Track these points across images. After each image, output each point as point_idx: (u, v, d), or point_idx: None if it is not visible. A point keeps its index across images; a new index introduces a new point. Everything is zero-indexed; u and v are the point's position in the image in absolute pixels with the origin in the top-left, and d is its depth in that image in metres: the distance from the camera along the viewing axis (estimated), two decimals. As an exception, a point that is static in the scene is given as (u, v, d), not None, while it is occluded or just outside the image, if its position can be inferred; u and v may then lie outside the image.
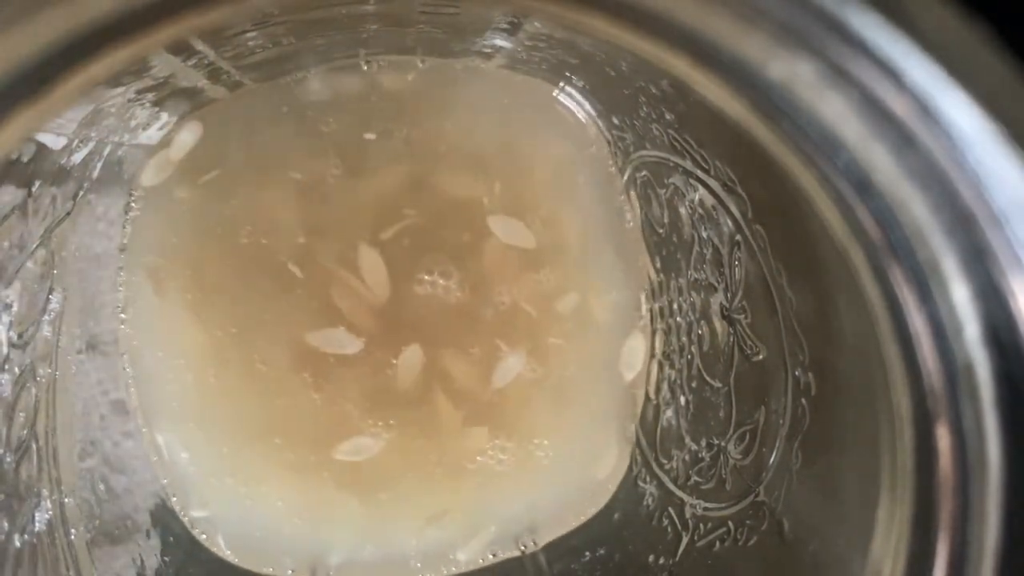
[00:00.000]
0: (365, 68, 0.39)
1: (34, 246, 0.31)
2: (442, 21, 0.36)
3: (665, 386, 0.40)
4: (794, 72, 0.18)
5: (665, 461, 0.39)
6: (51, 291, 0.34)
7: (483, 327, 0.40)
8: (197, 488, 0.40)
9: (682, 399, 0.39)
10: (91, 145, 0.34)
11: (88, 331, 0.37)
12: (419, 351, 0.40)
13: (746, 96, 0.19)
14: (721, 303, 0.35)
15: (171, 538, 0.39)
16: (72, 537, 0.34)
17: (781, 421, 0.31)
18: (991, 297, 0.18)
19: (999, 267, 0.17)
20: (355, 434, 0.40)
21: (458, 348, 0.40)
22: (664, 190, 0.38)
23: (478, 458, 0.41)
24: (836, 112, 0.18)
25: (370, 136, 0.40)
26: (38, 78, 0.18)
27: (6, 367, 0.30)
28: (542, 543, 0.41)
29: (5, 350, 0.30)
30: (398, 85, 0.40)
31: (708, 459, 0.36)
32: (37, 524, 0.31)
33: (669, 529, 0.37)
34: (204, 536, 0.39)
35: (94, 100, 0.30)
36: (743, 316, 0.34)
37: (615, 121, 0.40)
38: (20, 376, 0.31)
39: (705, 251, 0.36)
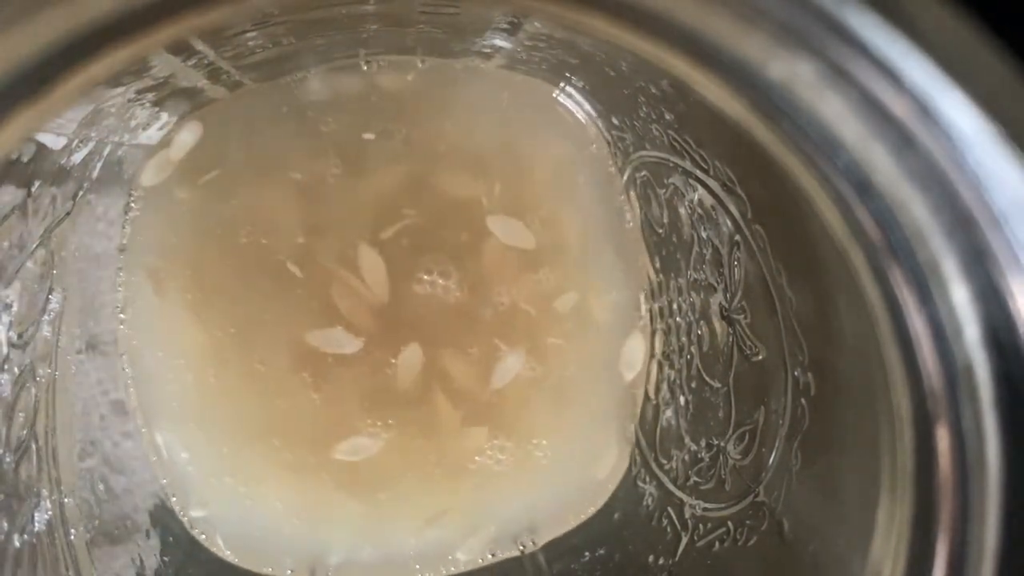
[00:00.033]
0: (365, 68, 0.39)
1: (34, 246, 0.31)
2: (442, 21, 0.36)
3: (665, 386, 0.40)
4: (794, 72, 0.18)
5: (665, 461, 0.39)
6: (51, 291, 0.34)
7: (482, 327, 0.40)
8: (196, 488, 0.40)
9: (682, 399, 0.39)
10: (91, 145, 0.34)
11: (88, 331, 0.37)
12: (418, 351, 0.40)
13: (746, 96, 0.19)
14: (721, 303, 0.35)
15: (170, 538, 0.39)
16: (72, 537, 0.34)
17: (781, 421, 0.31)
18: (991, 298, 0.18)
19: (999, 268, 0.17)
20: (354, 434, 0.40)
21: (457, 348, 0.40)
22: (664, 190, 0.38)
23: (477, 458, 0.41)
24: (836, 112, 0.18)
25: (370, 136, 0.40)
26: (38, 78, 0.18)
27: (6, 367, 0.30)
28: (541, 543, 0.41)
29: (5, 350, 0.30)
30: (398, 85, 0.40)
31: (708, 459, 0.36)
32: (37, 524, 0.31)
33: (669, 529, 0.37)
34: (203, 536, 0.39)
35: (94, 100, 0.30)
36: (743, 316, 0.34)
37: (615, 121, 0.40)
38: (20, 376, 0.31)
39: (705, 251, 0.36)
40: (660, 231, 0.39)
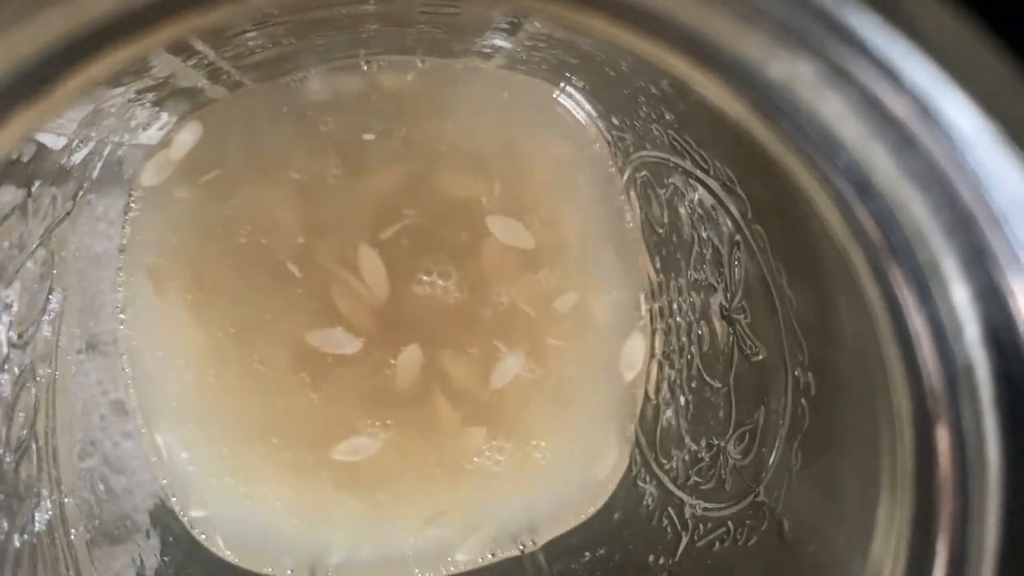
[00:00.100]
0: (365, 68, 0.39)
1: (34, 246, 0.31)
2: (442, 21, 0.36)
3: (665, 386, 0.40)
4: (794, 72, 0.18)
5: (665, 461, 0.39)
6: (51, 291, 0.34)
7: (482, 327, 0.40)
8: (196, 488, 0.40)
9: (682, 399, 0.39)
10: (91, 145, 0.34)
11: (88, 331, 0.37)
12: (418, 351, 0.40)
13: (746, 96, 0.19)
14: (721, 303, 0.35)
15: (170, 538, 0.39)
16: (72, 537, 0.34)
17: (781, 421, 0.31)
18: (991, 298, 0.18)
19: (999, 268, 0.17)
20: (353, 434, 0.40)
21: (457, 348, 0.40)
22: (664, 190, 0.38)
23: (476, 459, 0.41)
24: (836, 112, 0.18)
25: (370, 136, 0.40)
26: (38, 78, 0.18)
27: (6, 367, 0.30)
28: (541, 543, 0.41)
29: (5, 350, 0.30)
30: (398, 85, 0.40)
31: (708, 459, 0.36)
32: (37, 524, 0.31)
33: (669, 529, 0.37)
34: (203, 536, 0.39)
35: (94, 100, 0.30)
36: (743, 316, 0.34)
37: (615, 121, 0.40)
38: (20, 376, 0.31)
39: (705, 251, 0.36)
40: (660, 231, 0.39)
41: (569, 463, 0.41)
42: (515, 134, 0.41)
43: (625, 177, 0.40)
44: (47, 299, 0.33)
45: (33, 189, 0.30)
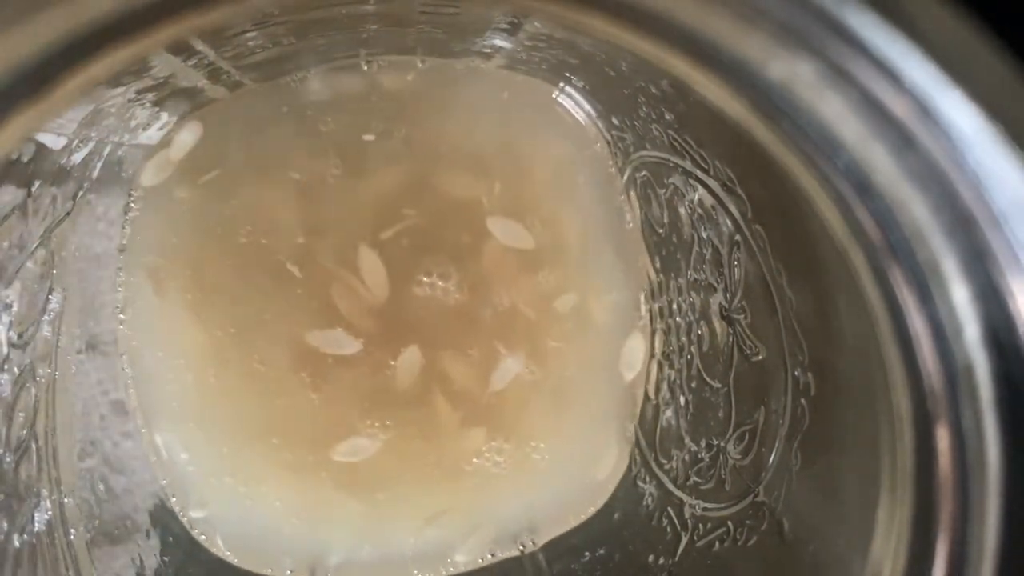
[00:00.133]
0: (365, 68, 0.39)
1: (34, 246, 0.31)
2: (442, 21, 0.36)
3: (665, 386, 0.40)
4: (794, 72, 0.18)
5: (664, 461, 0.39)
6: (51, 291, 0.34)
7: (482, 329, 0.40)
8: (196, 488, 0.40)
9: (682, 399, 0.39)
10: (91, 145, 0.34)
11: (88, 331, 0.37)
12: (418, 352, 0.40)
13: (746, 96, 0.19)
14: (721, 303, 0.35)
15: (170, 538, 0.39)
16: (72, 537, 0.34)
17: (781, 421, 0.31)
18: (991, 298, 0.18)
19: (999, 268, 0.17)
20: (353, 435, 0.40)
21: (457, 350, 0.40)
22: (664, 190, 0.38)
23: (475, 459, 0.41)
24: (836, 112, 0.18)
25: (370, 136, 0.40)
26: (38, 78, 0.18)
27: (6, 367, 0.30)
28: (541, 543, 0.41)
29: (5, 350, 0.30)
30: (398, 85, 0.40)
31: (707, 459, 0.36)
32: (37, 524, 0.31)
33: (669, 529, 0.37)
34: (203, 536, 0.39)
35: (94, 100, 0.30)
36: (743, 316, 0.34)
37: (615, 121, 0.40)
38: (20, 376, 0.31)
39: (705, 251, 0.36)
40: (660, 231, 0.39)
41: (569, 463, 0.41)
42: (515, 134, 0.41)
43: (625, 177, 0.40)
44: (47, 299, 0.33)
45: (33, 189, 0.30)
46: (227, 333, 0.39)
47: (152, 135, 0.38)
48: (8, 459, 0.30)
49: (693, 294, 0.38)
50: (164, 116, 0.38)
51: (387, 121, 0.40)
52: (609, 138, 0.41)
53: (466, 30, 0.37)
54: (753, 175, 0.31)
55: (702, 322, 0.37)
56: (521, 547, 0.41)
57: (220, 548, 0.40)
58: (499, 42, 0.37)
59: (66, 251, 0.35)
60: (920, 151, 0.18)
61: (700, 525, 0.36)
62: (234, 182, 0.39)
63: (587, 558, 0.40)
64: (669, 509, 0.38)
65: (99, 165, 0.35)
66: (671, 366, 0.40)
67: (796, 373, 0.30)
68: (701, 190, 0.35)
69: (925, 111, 0.17)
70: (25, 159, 0.28)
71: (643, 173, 0.39)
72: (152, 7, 0.18)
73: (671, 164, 0.36)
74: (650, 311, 0.41)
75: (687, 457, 0.38)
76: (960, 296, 0.18)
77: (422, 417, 0.40)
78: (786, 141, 0.20)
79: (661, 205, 0.38)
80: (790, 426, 0.31)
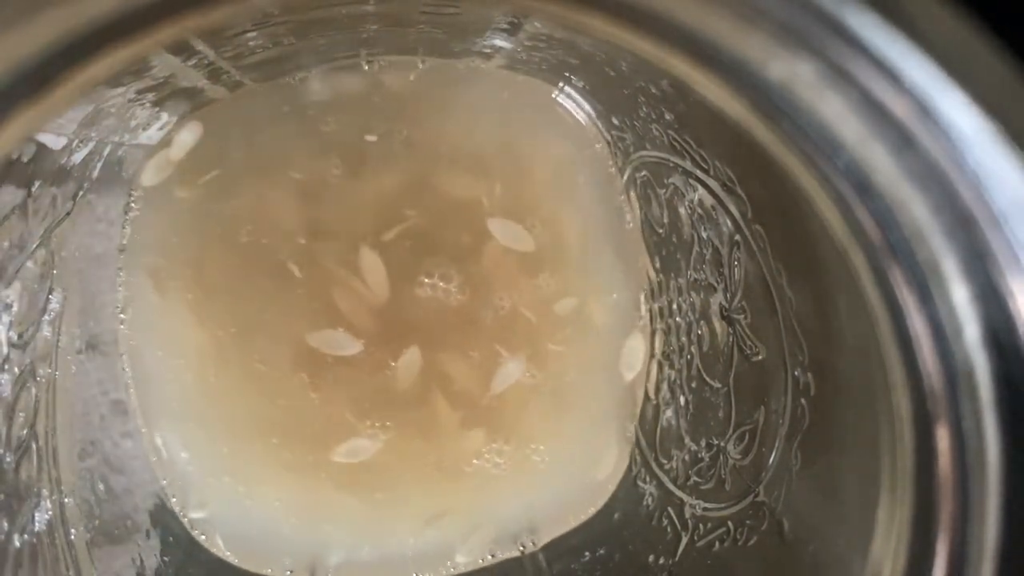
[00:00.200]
0: (366, 68, 0.39)
1: (34, 246, 0.31)
2: (443, 21, 0.36)
3: (665, 386, 0.40)
4: (794, 72, 0.18)
5: (665, 461, 0.39)
6: (51, 291, 0.34)
7: (483, 331, 0.40)
8: (196, 488, 0.40)
9: (682, 399, 0.39)
10: (91, 145, 0.34)
11: (88, 331, 0.37)
12: (418, 354, 0.40)
13: (746, 96, 0.19)
14: (721, 303, 0.35)
15: (170, 538, 0.39)
16: (72, 537, 0.34)
17: (781, 421, 0.31)
18: (991, 298, 0.18)
19: (999, 268, 0.17)
20: (353, 435, 0.40)
21: (457, 352, 0.40)
22: (664, 190, 0.38)
23: (475, 460, 0.41)
24: (836, 112, 0.18)
25: (371, 137, 0.40)
26: (38, 78, 0.18)
27: (6, 367, 0.30)
28: (541, 543, 0.41)
29: (5, 350, 0.30)
30: (399, 85, 0.40)
31: (708, 459, 0.36)
32: (37, 524, 0.31)
33: (669, 529, 0.37)
34: (203, 536, 0.39)
35: (94, 100, 0.30)
36: (743, 316, 0.34)
37: (615, 121, 0.40)
38: (20, 376, 0.31)
39: (705, 251, 0.36)
40: (660, 231, 0.39)
41: (569, 464, 0.41)
42: (515, 134, 0.41)
43: (625, 177, 0.40)
44: (47, 299, 0.33)
45: (33, 189, 0.30)
46: (227, 333, 0.39)
47: (152, 135, 0.38)
48: (8, 459, 0.30)
49: (693, 294, 0.38)
50: (164, 116, 0.38)
51: (388, 121, 0.40)
52: (609, 138, 0.41)
53: (466, 30, 0.37)
54: (753, 175, 0.31)
55: (702, 322, 0.37)
56: (521, 547, 0.41)
57: (220, 548, 0.40)
58: (499, 42, 0.37)
59: (66, 251, 0.35)
60: (920, 151, 0.18)
61: (700, 525, 0.36)
62: (234, 182, 0.39)
63: (587, 558, 0.40)
64: (669, 509, 0.38)
65: (99, 165, 0.35)
66: (671, 366, 0.40)
67: (796, 373, 0.30)
68: (701, 190, 0.35)
69: (925, 111, 0.17)
70: (25, 159, 0.28)
71: (643, 173, 0.39)
72: (152, 7, 0.18)
73: (671, 164, 0.36)
74: (650, 311, 0.41)
75: (687, 457, 0.38)
76: (960, 296, 0.18)
77: (422, 418, 0.40)
78: (786, 141, 0.20)
79: (661, 205, 0.38)
80: (790, 426, 0.31)
